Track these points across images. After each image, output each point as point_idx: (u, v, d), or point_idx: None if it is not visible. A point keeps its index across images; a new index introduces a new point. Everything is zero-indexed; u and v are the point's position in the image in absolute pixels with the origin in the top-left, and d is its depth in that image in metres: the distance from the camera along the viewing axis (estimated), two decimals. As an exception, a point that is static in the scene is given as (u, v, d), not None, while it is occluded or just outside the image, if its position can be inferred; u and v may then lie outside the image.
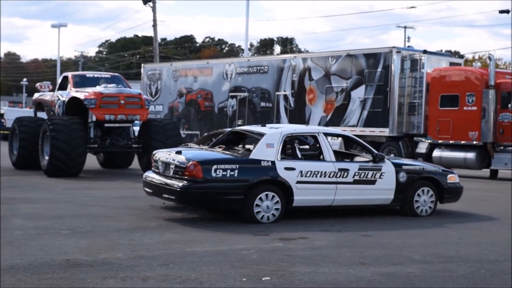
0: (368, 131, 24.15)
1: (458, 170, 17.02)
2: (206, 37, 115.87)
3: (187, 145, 13.80)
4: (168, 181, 10.82)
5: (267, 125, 12.50)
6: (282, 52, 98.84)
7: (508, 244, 9.44)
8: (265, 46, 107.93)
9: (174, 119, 28.48)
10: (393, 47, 24.18)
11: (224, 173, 10.48)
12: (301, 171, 11.01)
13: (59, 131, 18.09)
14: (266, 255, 8.25)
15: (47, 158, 18.40)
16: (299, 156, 11.90)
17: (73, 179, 17.75)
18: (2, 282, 6.62)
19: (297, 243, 9.15)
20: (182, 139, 21.28)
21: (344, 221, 11.24)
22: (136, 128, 20.72)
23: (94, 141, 19.16)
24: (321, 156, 11.56)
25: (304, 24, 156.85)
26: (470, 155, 22.06)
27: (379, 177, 11.69)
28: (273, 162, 10.83)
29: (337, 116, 25.23)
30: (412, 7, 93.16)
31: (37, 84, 23.37)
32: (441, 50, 53.69)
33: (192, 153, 11.30)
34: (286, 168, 10.91)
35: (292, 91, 26.85)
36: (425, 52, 24.10)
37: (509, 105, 21.69)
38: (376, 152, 12.02)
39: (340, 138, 17.00)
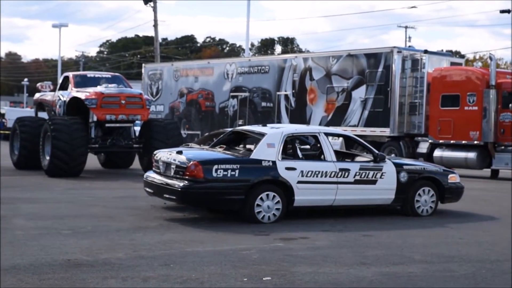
0: (369, 131, 24.14)
1: (459, 170, 17.00)
2: (207, 37, 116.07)
3: (188, 145, 13.80)
4: (169, 181, 10.82)
5: (268, 125, 12.50)
6: (283, 52, 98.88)
7: (509, 244, 9.44)
8: (266, 46, 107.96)
9: (175, 119, 28.47)
10: (394, 47, 24.17)
11: (225, 173, 10.48)
12: (302, 171, 11.01)
13: (60, 131, 18.10)
14: (267, 255, 8.25)
15: (48, 158, 18.41)
16: (300, 156, 11.90)
17: (74, 179, 17.76)
18: (3, 282, 6.62)
19: (298, 243, 9.15)
20: (183, 139, 21.28)
21: (345, 221, 11.24)
22: (137, 128, 20.74)
23: (95, 141, 19.16)
24: (322, 156, 11.56)
25: (305, 24, 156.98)
26: (471, 155, 22.06)
27: (380, 177, 11.69)
28: (274, 162, 10.83)
29: (338, 116, 25.22)
30: (413, 7, 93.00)
31: (38, 84, 23.35)
32: (442, 50, 53.73)
33: (193, 153, 11.30)
34: (287, 168, 10.91)
35: (293, 91, 26.84)
36: (426, 52, 24.09)
37: (510, 105, 21.69)
38: (377, 152, 12.02)
39: (341, 138, 16.98)
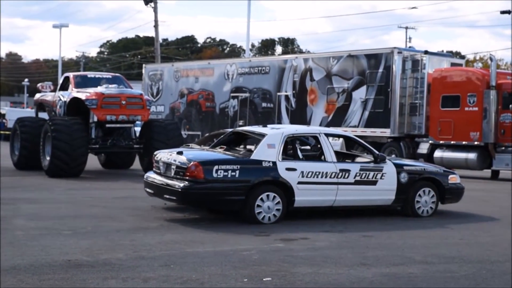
0: (369, 132, 24.15)
1: (459, 171, 17.00)
2: (208, 38, 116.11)
3: (189, 145, 13.80)
4: (169, 182, 10.83)
5: (268, 125, 12.52)
6: (284, 52, 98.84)
7: (509, 245, 9.44)
8: (266, 46, 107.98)
9: (175, 120, 28.48)
10: (395, 47, 24.18)
11: (225, 173, 10.48)
12: (302, 172, 11.01)
13: (61, 132, 18.10)
14: (267, 255, 8.25)
15: (48, 158, 18.42)
16: (300, 156, 11.90)
17: (75, 179, 17.76)
18: (3, 283, 6.62)
19: (298, 244, 9.15)
20: (183, 139, 21.28)
21: (345, 222, 11.24)
22: (138, 129, 20.75)
23: (96, 142, 19.17)
24: (322, 157, 11.55)
25: (306, 25, 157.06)
26: (472, 155, 22.06)
27: (380, 178, 11.69)
28: (274, 163, 10.83)
29: (338, 117, 25.23)
30: (413, 8, 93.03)
31: (39, 85, 23.27)
32: (442, 51, 53.66)
33: (193, 153, 11.30)
34: (287, 169, 10.91)
35: (294, 92, 26.85)
36: (426, 52, 24.10)
37: (510, 105, 21.69)
38: (377, 152, 12.02)
39: (341, 139, 17.03)
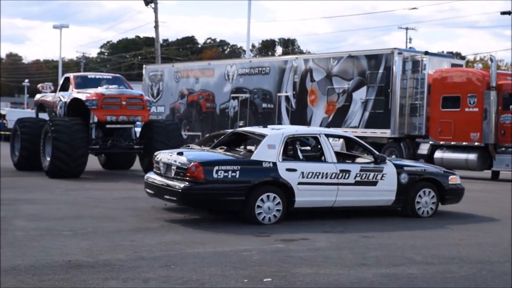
0: (369, 132, 24.14)
1: (459, 171, 17.01)
2: (208, 38, 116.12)
3: (189, 146, 13.80)
4: (170, 182, 10.83)
5: (268, 126, 12.51)
6: (284, 53, 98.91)
7: (509, 245, 9.44)
8: (266, 47, 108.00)
9: (175, 120, 28.46)
10: (395, 48, 24.18)
11: (226, 174, 10.49)
12: (302, 172, 11.01)
13: (61, 132, 18.10)
14: (268, 256, 8.25)
15: (48, 159, 18.41)
16: (301, 157, 11.90)
17: (75, 180, 17.76)
18: (3, 283, 6.62)
19: (299, 244, 9.15)
20: (183, 140, 21.27)
21: (346, 222, 11.24)
22: (138, 129, 20.74)
23: (96, 142, 19.17)
24: (323, 157, 11.56)
25: (306, 25, 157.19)
26: (472, 156, 22.06)
27: (381, 178, 11.69)
28: (274, 163, 10.84)
29: (338, 117, 25.23)
30: (413, 8, 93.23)
31: (39, 85, 23.27)
32: (443, 51, 53.76)
33: (193, 154, 11.31)
34: (288, 169, 10.91)
35: (294, 92, 26.85)
36: (426, 53, 24.09)
37: (511, 106, 21.69)
38: (377, 153, 12.03)
39: (341, 139, 17.01)
